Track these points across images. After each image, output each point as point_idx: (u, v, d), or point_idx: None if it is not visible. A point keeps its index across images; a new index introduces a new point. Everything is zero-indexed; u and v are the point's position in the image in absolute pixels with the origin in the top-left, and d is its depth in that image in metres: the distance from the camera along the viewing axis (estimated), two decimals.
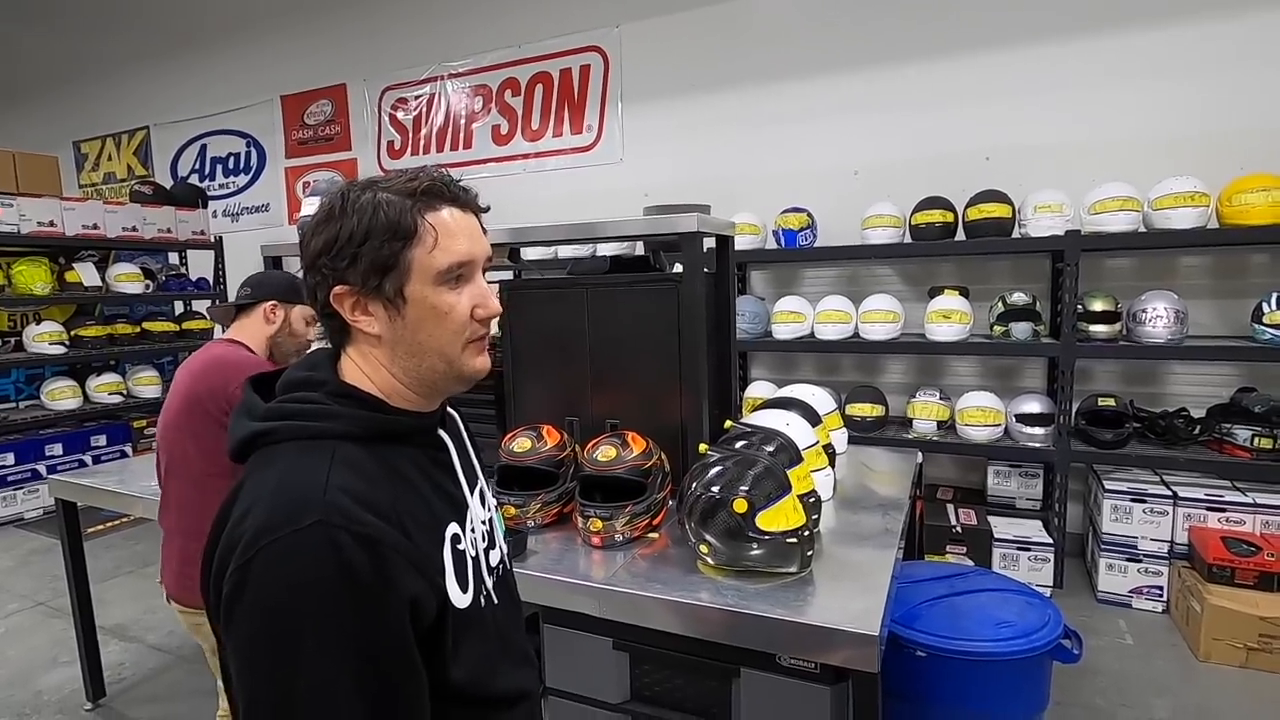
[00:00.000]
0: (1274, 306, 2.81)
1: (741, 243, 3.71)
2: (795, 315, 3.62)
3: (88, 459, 4.83)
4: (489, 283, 0.81)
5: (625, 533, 1.61)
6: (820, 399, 2.20)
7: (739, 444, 1.60)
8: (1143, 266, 3.31)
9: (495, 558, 0.87)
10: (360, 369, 0.78)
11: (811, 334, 3.61)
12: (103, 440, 5.00)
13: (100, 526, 4.29)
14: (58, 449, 4.78)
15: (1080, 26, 3.33)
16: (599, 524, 1.59)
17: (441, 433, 0.83)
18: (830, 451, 1.98)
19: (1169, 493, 2.93)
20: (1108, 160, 3.28)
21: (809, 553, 1.42)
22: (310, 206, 1.89)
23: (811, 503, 1.54)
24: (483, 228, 0.82)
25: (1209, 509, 2.87)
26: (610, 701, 1.46)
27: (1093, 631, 2.76)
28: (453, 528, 0.77)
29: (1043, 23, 3.39)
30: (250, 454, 0.73)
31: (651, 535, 1.67)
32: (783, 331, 3.63)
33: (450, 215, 0.76)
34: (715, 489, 1.42)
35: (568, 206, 4.44)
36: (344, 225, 0.73)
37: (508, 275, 3.24)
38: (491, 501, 0.92)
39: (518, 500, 1.71)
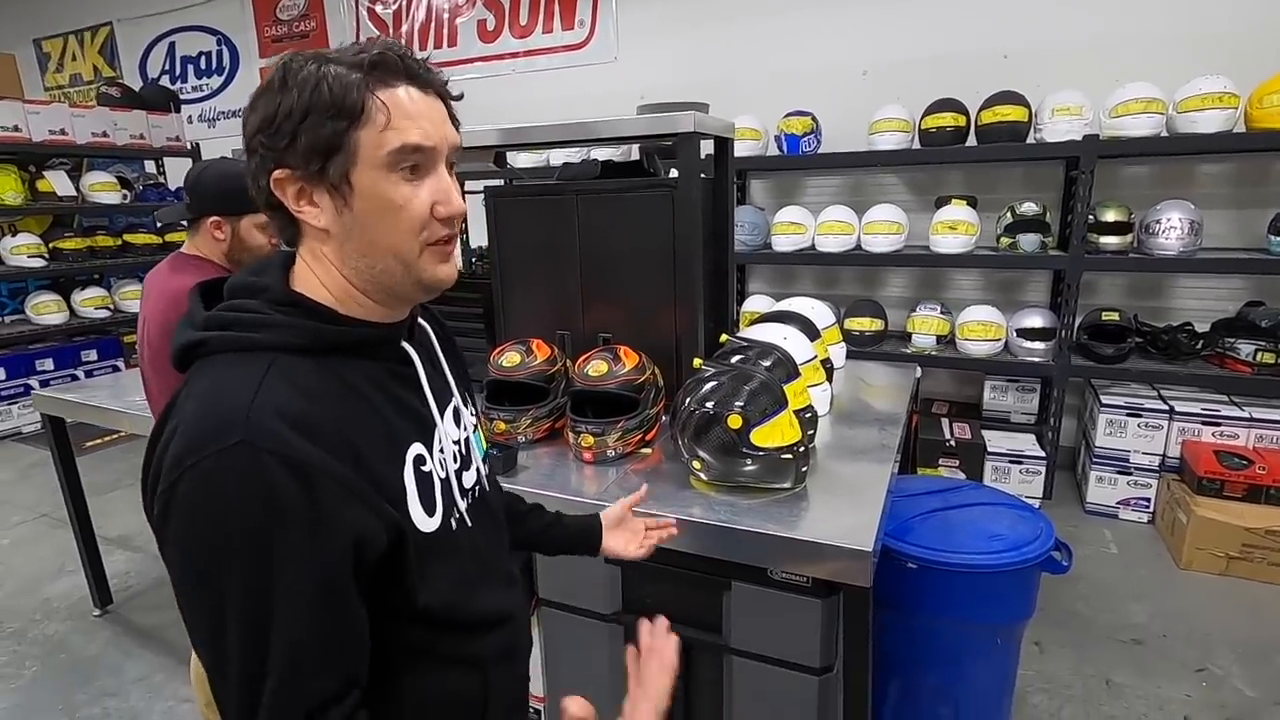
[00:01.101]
0: None
1: (741, 149, 3.53)
2: (796, 226, 3.49)
3: (80, 374, 4.80)
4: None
5: (617, 448, 1.58)
6: (819, 313, 2.13)
7: (735, 359, 1.55)
8: (1161, 174, 3.17)
9: (470, 479, 0.82)
10: (312, 271, 0.70)
11: (812, 246, 3.50)
12: (93, 355, 4.95)
13: (98, 440, 4.31)
14: (49, 364, 4.74)
15: None
16: (590, 440, 1.56)
17: (406, 345, 0.76)
18: (828, 366, 1.93)
19: (1165, 407, 2.92)
20: (1133, 59, 3.07)
21: (804, 468, 1.40)
22: None
23: (808, 418, 1.51)
24: (452, 115, 0.72)
25: (1204, 423, 2.87)
26: (602, 613, 1.48)
27: (1078, 541, 2.82)
28: (416, 448, 0.71)
29: None
30: (188, 365, 0.67)
31: (644, 451, 1.64)
32: (782, 243, 3.52)
33: (407, 94, 0.66)
34: (709, 404, 1.38)
35: (559, 109, 4.21)
36: (284, 100, 0.63)
37: (497, 183, 3.09)
38: (469, 420, 0.86)
39: (508, 415, 1.67)
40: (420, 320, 0.81)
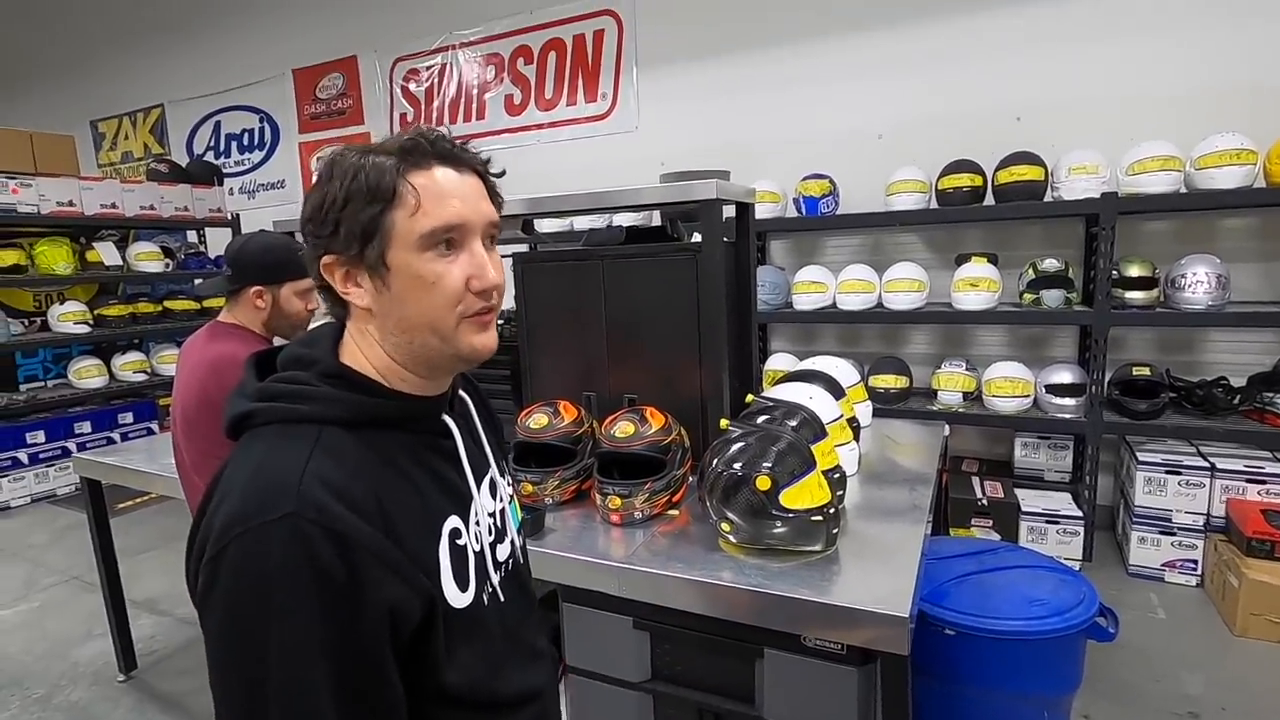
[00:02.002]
0: None
1: (761, 211, 3.61)
2: (817, 285, 3.53)
3: (116, 436, 4.92)
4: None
5: (644, 510, 1.57)
6: (843, 371, 2.13)
7: (761, 419, 1.55)
8: (1183, 229, 3.17)
9: (504, 551, 0.82)
10: (358, 346, 0.73)
11: (834, 304, 3.52)
12: (130, 418, 5.08)
13: (130, 502, 4.37)
14: (86, 426, 4.86)
15: None
16: (618, 501, 1.56)
17: (446, 418, 0.77)
18: (855, 425, 1.92)
19: (1206, 464, 2.84)
20: (1147, 117, 3.12)
21: (834, 530, 1.38)
22: None
23: (836, 479, 1.49)
24: (492, 190, 0.75)
25: (1249, 481, 2.78)
26: (631, 680, 1.44)
27: (1123, 605, 2.70)
28: (452, 521, 0.72)
29: None
30: (238, 435, 0.69)
31: (671, 513, 1.63)
32: (804, 302, 3.55)
33: (442, 175, 0.69)
34: (737, 466, 1.37)
35: (583, 177, 4.36)
36: (329, 190, 0.68)
37: (523, 249, 3.19)
38: (506, 491, 0.86)
39: (535, 477, 1.68)
40: (460, 391, 0.83)
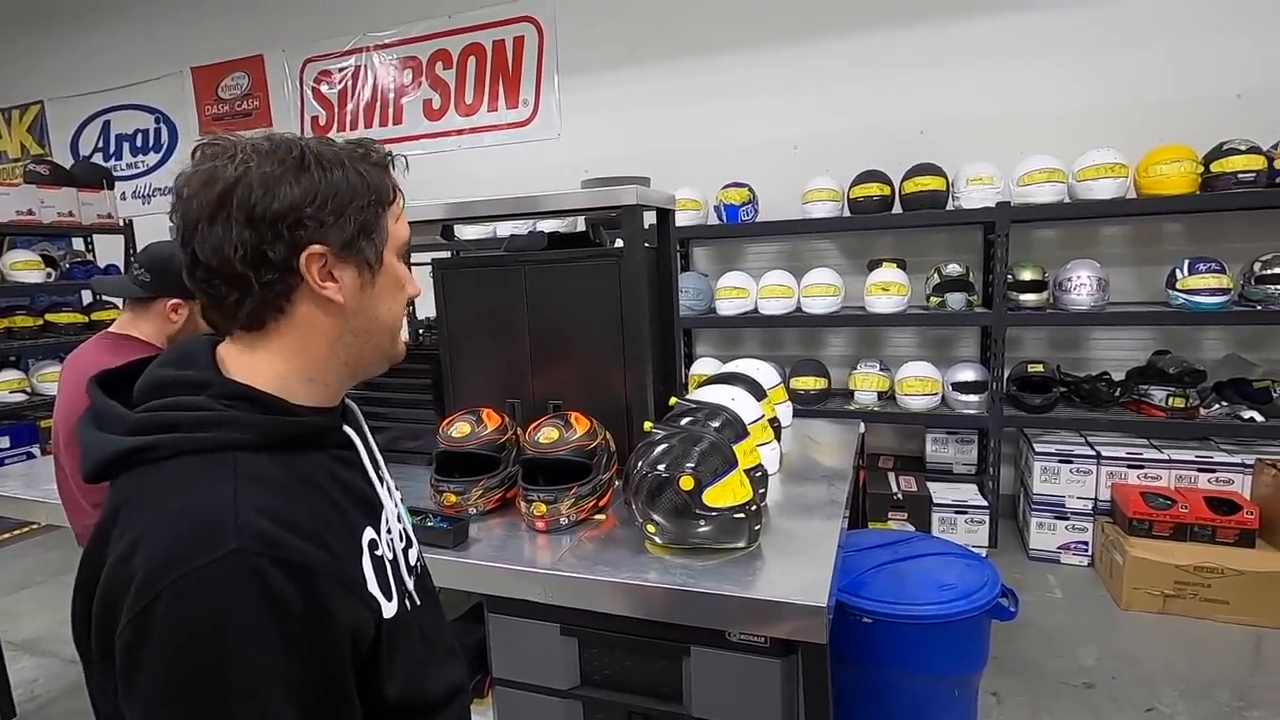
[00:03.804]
0: (1186, 273, 2.96)
1: (684, 219, 3.67)
2: (739, 291, 3.62)
3: None
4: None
5: (570, 515, 1.56)
6: (765, 373, 2.19)
7: (684, 420, 1.58)
8: (1068, 236, 3.44)
9: (414, 555, 0.81)
10: (252, 360, 0.68)
11: (755, 309, 3.62)
12: (6, 442, 4.62)
13: (7, 535, 3.98)
14: None
15: (1006, 3, 3.39)
16: (543, 508, 1.55)
17: (347, 428, 0.75)
18: (776, 425, 1.98)
19: (1093, 453, 3.08)
20: (1035, 133, 3.37)
21: (756, 527, 1.41)
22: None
23: (758, 477, 1.53)
24: None
25: (1129, 466, 3.03)
26: (560, 688, 1.43)
27: (1025, 587, 2.89)
28: (368, 533, 0.70)
29: None
30: (120, 473, 0.62)
31: (598, 517, 1.63)
32: (727, 307, 3.63)
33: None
34: (661, 467, 1.39)
35: (506, 183, 4.32)
36: (327, 177, 0.66)
37: (445, 255, 3.12)
38: (397, 494, 0.84)
39: (458, 487, 1.64)
40: (348, 402, 0.81)
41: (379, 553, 0.70)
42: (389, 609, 0.68)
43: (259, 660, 0.54)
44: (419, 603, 0.76)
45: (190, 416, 0.62)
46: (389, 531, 0.74)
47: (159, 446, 0.61)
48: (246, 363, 0.68)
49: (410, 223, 0.79)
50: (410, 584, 0.76)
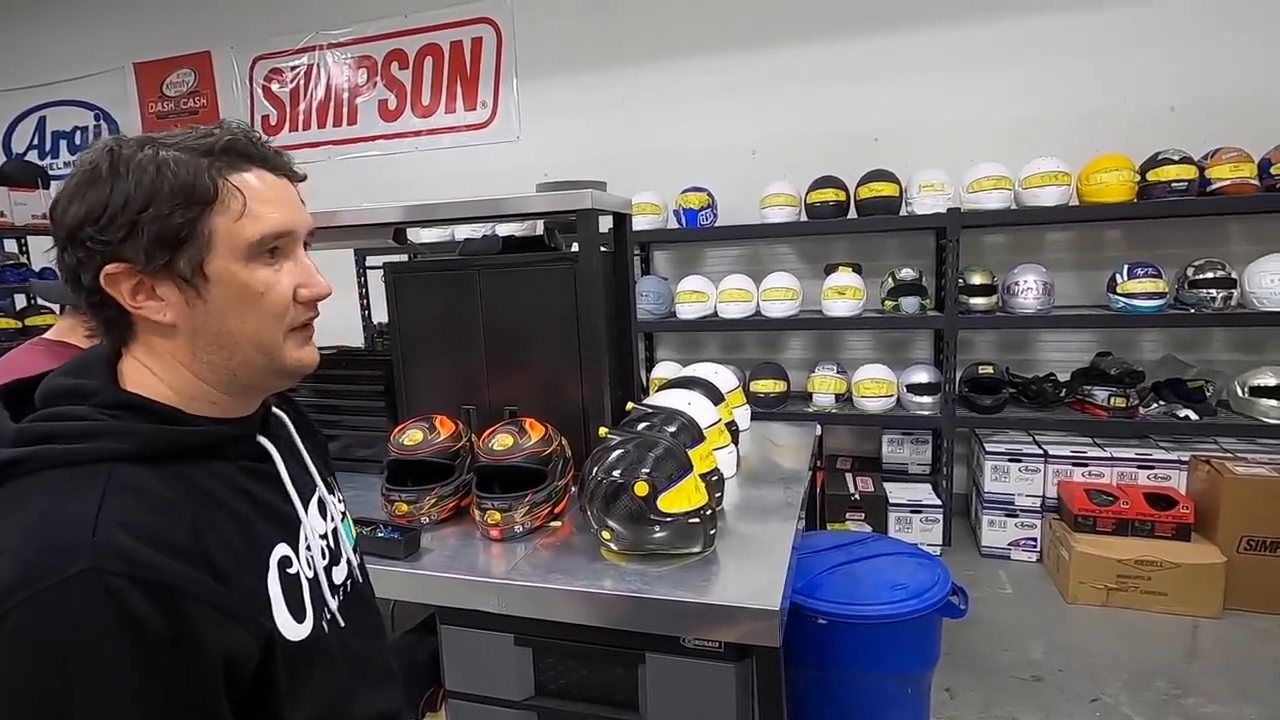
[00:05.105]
0: (1125, 278, 3.08)
1: (643, 223, 3.68)
2: (699, 295, 3.63)
3: None
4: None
5: (525, 523, 1.55)
6: (723, 377, 2.20)
7: (640, 426, 1.57)
8: (1015, 242, 3.55)
9: (341, 573, 0.77)
10: (148, 369, 0.65)
11: (715, 313, 3.64)
12: None
13: None
14: None
15: (957, 12, 3.49)
16: (497, 516, 1.52)
17: (263, 439, 0.71)
18: (734, 429, 1.99)
19: (1040, 451, 3.17)
20: (983, 141, 3.47)
21: (712, 531, 1.42)
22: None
23: (714, 481, 1.54)
24: (300, 198, 0.71)
25: (1074, 464, 3.13)
26: (514, 699, 1.41)
27: (976, 584, 2.96)
28: (280, 550, 0.67)
29: (924, 7, 3.53)
30: None
31: (554, 524, 1.61)
32: (687, 311, 3.64)
33: (259, 179, 0.65)
34: (616, 473, 1.38)
35: (464, 186, 4.26)
36: (116, 188, 0.59)
37: (401, 259, 3.06)
38: (337, 509, 0.81)
39: (410, 496, 1.60)
40: (275, 410, 0.77)
41: (292, 570, 0.67)
42: (298, 631, 0.65)
43: (109, 682, 0.51)
44: (344, 624, 0.73)
45: (69, 427, 0.59)
46: (308, 548, 0.71)
47: (30, 459, 0.57)
48: (139, 374, 0.65)
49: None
50: (333, 604, 0.72)
